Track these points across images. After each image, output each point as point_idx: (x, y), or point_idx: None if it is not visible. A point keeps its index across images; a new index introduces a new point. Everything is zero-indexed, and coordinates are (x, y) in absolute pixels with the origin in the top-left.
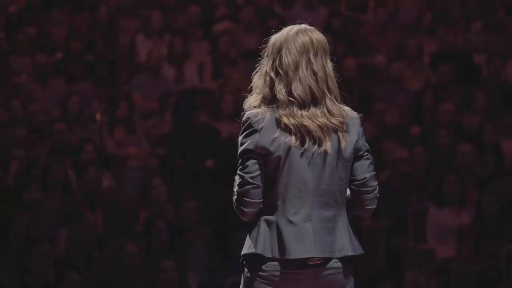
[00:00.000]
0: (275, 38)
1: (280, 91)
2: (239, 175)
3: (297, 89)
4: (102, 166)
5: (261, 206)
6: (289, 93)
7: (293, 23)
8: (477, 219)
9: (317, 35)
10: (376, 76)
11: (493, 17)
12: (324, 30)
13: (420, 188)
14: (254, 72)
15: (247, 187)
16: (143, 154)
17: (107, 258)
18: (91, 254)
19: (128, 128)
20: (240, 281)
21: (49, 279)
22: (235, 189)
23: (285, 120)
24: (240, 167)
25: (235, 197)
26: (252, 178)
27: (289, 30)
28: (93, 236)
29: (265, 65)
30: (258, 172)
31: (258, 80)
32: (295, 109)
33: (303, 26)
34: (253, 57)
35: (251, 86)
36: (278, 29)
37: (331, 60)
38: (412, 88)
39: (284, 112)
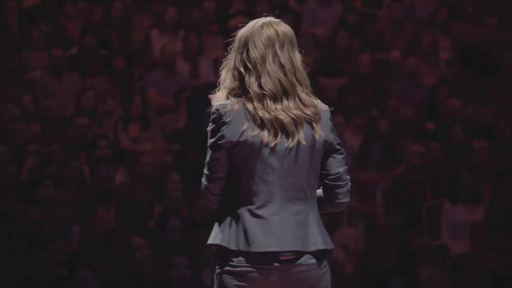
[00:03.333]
0: (241, 32)
1: (253, 84)
2: (208, 170)
3: (267, 83)
4: (116, 162)
5: (229, 197)
6: (260, 86)
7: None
8: (491, 215)
9: (283, 28)
10: (391, 72)
11: (508, 12)
12: (339, 25)
13: (434, 184)
14: (221, 67)
15: (212, 184)
16: (157, 150)
17: (119, 255)
18: (104, 250)
19: (143, 123)
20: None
21: (61, 275)
22: (203, 181)
23: (260, 113)
24: (207, 162)
25: (203, 188)
26: (216, 178)
27: (254, 24)
28: (106, 232)
29: (232, 59)
30: (222, 169)
31: (226, 74)
32: (268, 102)
33: (268, 18)
34: None
35: (219, 81)
36: (244, 24)
37: (300, 52)
38: (427, 83)
39: (258, 105)
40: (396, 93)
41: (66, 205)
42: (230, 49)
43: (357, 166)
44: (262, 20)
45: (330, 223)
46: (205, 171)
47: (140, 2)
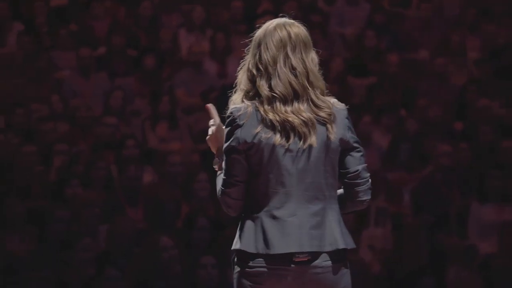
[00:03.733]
0: (257, 33)
1: (263, 86)
2: (225, 174)
3: (278, 86)
4: (144, 162)
5: (246, 201)
6: (271, 89)
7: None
8: None
9: (297, 29)
10: (420, 72)
11: None
12: (367, 25)
13: (463, 184)
14: (239, 68)
15: (233, 188)
16: (185, 149)
17: (147, 254)
18: (131, 250)
19: (171, 123)
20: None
21: (89, 275)
22: (221, 187)
23: (270, 115)
24: (226, 166)
25: (220, 194)
26: (236, 181)
27: (268, 25)
28: (133, 232)
29: (247, 61)
30: (242, 171)
31: (241, 76)
32: (278, 104)
33: (282, 20)
34: None
35: (236, 83)
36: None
37: (317, 53)
38: (455, 83)
39: (268, 107)
40: (424, 93)
41: (93, 204)
42: (248, 50)
43: (385, 166)
44: (276, 21)
45: (358, 223)
46: (223, 176)
47: (168, 2)
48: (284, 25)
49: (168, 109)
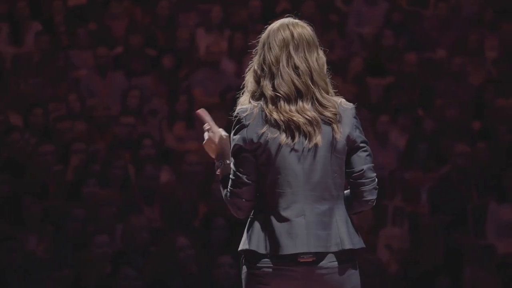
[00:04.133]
0: (262, 35)
1: (267, 86)
2: (235, 174)
3: (281, 85)
4: (161, 161)
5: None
6: (274, 89)
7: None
8: None
9: (300, 29)
10: (437, 71)
11: None
12: (385, 24)
13: (480, 183)
14: (247, 69)
15: (244, 188)
16: (202, 149)
17: (163, 254)
18: (148, 249)
19: (188, 122)
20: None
21: (104, 274)
22: (230, 188)
23: (274, 115)
24: (235, 166)
25: (229, 196)
26: (248, 180)
27: (272, 26)
28: (150, 231)
29: (254, 62)
30: (252, 169)
31: (248, 78)
32: (282, 104)
33: (286, 20)
34: None
35: (243, 84)
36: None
37: (324, 52)
38: (473, 82)
39: (272, 107)
40: (442, 92)
41: (110, 204)
42: (255, 51)
43: (402, 166)
44: (280, 21)
45: (375, 222)
46: (232, 176)
47: (186, 1)
48: (287, 25)
49: (185, 108)
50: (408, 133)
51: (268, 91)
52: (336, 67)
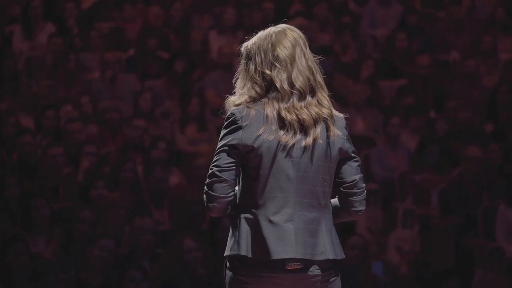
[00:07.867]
0: (254, 41)
1: (283, 81)
2: (216, 169)
3: (298, 80)
4: (172, 164)
5: (244, 203)
6: (291, 84)
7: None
8: None
9: (297, 32)
10: (451, 73)
11: None
12: (399, 26)
13: (492, 186)
14: (235, 78)
15: (213, 179)
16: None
17: (170, 256)
18: (155, 251)
19: (200, 125)
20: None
21: (112, 276)
22: (209, 183)
23: (282, 113)
24: (213, 160)
25: (206, 191)
26: (219, 171)
27: (274, 29)
28: (158, 233)
29: (251, 67)
30: (227, 167)
31: (242, 82)
32: (295, 101)
33: (281, 25)
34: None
35: (234, 91)
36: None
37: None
38: (486, 85)
39: (285, 105)
40: (455, 94)
41: (119, 206)
42: (245, 59)
43: (413, 167)
44: (276, 26)
45: (385, 224)
46: (214, 170)
47: (199, 3)
48: (288, 28)
49: (197, 111)
50: (419, 135)
51: (284, 85)
52: (349, 69)
